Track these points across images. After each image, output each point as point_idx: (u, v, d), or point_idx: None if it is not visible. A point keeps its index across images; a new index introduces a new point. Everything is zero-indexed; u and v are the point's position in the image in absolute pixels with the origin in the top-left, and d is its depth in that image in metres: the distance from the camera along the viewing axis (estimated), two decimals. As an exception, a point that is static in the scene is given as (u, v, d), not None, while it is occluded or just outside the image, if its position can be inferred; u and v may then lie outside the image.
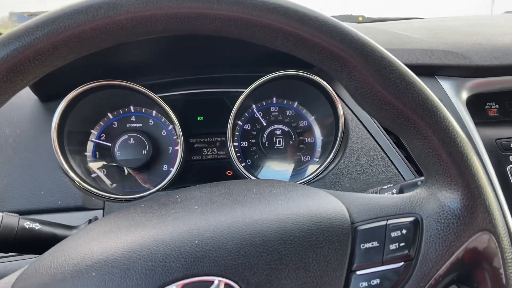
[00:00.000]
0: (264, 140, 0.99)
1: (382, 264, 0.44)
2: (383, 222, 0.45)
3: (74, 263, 0.43)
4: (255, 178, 0.94)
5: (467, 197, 0.44)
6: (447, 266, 0.44)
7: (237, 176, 0.97)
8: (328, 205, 0.48)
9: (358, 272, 0.44)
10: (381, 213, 0.46)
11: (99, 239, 0.47)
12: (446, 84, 0.90)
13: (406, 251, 0.44)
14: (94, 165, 0.94)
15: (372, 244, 0.45)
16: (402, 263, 0.44)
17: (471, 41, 0.94)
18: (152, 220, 0.49)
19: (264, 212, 0.46)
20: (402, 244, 0.44)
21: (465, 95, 0.90)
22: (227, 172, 0.99)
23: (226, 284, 0.41)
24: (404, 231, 0.45)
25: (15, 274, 0.46)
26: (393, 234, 0.45)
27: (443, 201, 0.45)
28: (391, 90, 0.43)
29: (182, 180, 0.96)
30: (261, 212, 0.46)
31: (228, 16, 0.42)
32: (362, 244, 0.45)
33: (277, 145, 1.00)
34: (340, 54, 0.43)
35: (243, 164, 0.98)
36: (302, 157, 1.02)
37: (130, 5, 0.40)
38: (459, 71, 0.89)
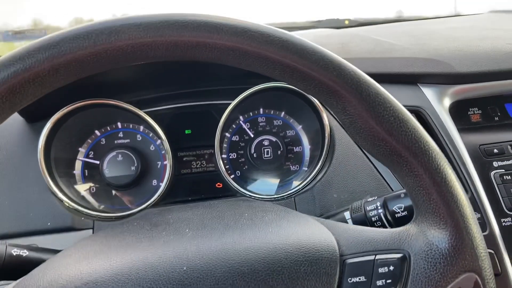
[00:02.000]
0: (253, 151, 1.00)
1: None
2: (372, 257, 0.46)
3: (63, 283, 0.44)
4: (244, 190, 0.94)
5: (455, 238, 0.45)
6: None
7: (227, 188, 0.97)
8: (319, 235, 0.48)
9: None
10: (370, 247, 0.47)
11: (89, 259, 0.48)
12: (428, 92, 0.91)
13: None
14: (81, 187, 0.94)
15: (360, 279, 0.45)
16: None
17: (452, 47, 0.95)
18: (143, 242, 0.49)
19: (254, 240, 0.47)
20: (389, 281, 0.45)
21: (447, 101, 0.91)
22: (216, 185, 1.00)
23: None
24: (391, 268, 0.45)
25: None
26: (381, 270, 0.45)
27: (432, 240, 0.46)
28: (384, 126, 0.44)
29: (172, 195, 0.96)
30: (251, 240, 0.47)
31: (227, 46, 0.43)
32: (350, 278, 0.45)
33: (265, 156, 1.00)
34: (336, 89, 0.44)
35: (232, 176, 0.99)
36: (291, 166, 1.03)
37: (132, 31, 0.41)
38: (441, 79, 0.90)
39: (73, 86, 0.85)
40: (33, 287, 0.44)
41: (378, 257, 0.46)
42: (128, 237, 0.51)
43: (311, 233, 0.49)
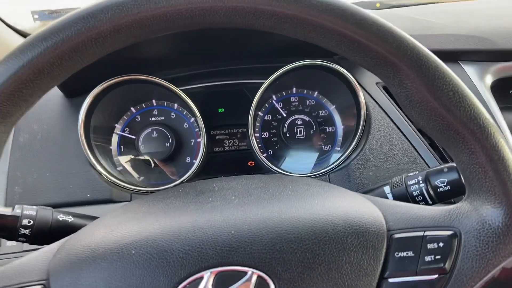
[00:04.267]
0: (285, 130, 1.00)
1: (416, 275, 0.45)
2: (420, 233, 0.46)
3: (115, 239, 0.45)
4: (277, 169, 0.94)
5: (510, 217, 0.44)
6: (482, 283, 0.44)
7: (259, 166, 0.98)
8: (365, 210, 0.48)
9: (390, 280, 0.45)
10: (419, 223, 0.46)
11: (139, 219, 0.49)
12: (470, 69, 0.89)
13: (442, 264, 0.44)
14: (122, 159, 0.96)
15: (407, 254, 0.45)
16: (436, 275, 0.45)
17: (494, 25, 0.93)
18: (190, 206, 0.50)
19: (300, 210, 0.47)
20: (438, 256, 0.45)
21: (489, 79, 0.89)
22: (249, 163, 1.00)
23: (259, 277, 0.42)
24: (441, 244, 0.45)
25: (57, 244, 0.48)
26: (430, 246, 0.45)
27: (485, 218, 0.45)
28: (443, 101, 0.43)
29: (205, 172, 0.98)
30: (297, 210, 0.47)
31: (285, 14, 0.42)
32: (397, 253, 0.45)
33: (298, 135, 1.00)
34: (394, 61, 0.43)
35: (264, 155, 0.99)
36: (323, 146, 1.02)
37: None
38: (483, 56, 0.88)
39: (110, 62, 0.87)
40: (85, 242, 0.46)
41: (427, 233, 0.45)
42: (175, 201, 0.52)
43: (358, 207, 0.49)
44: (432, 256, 0.45)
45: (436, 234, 0.45)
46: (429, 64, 0.43)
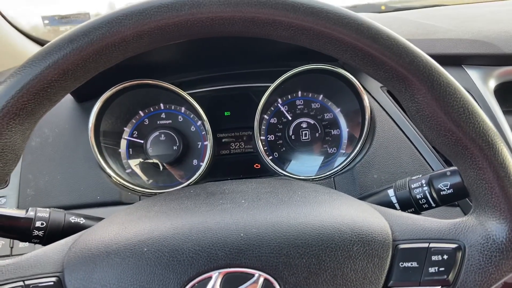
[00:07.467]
0: (291, 133, 1.01)
1: (419, 285, 0.46)
2: (425, 244, 0.47)
3: (128, 236, 0.47)
4: (282, 171, 0.96)
5: None
6: None
7: (265, 169, 0.99)
8: (372, 219, 0.49)
9: None
10: (424, 235, 0.47)
11: (150, 218, 0.50)
12: (473, 73, 0.90)
13: (445, 276, 0.45)
14: (131, 162, 0.98)
15: (411, 264, 0.46)
16: (439, 287, 0.45)
17: (498, 29, 0.93)
18: (201, 207, 0.52)
19: (308, 216, 0.48)
20: (441, 268, 0.45)
21: (493, 83, 0.90)
22: (254, 166, 1.02)
23: (266, 279, 0.43)
24: (445, 257, 0.46)
25: (72, 238, 0.50)
26: (434, 257, 0.46)
27: (489, 233, 0.46)
28: (453, 117, 0.44)
29: (212, 174, 0.99)
30: (306, 216, 0.48)
31: (302, 26, 0.43)
32: (401, 263, 0.46)
33: (303, 138, 1.01)
34: (407, 76, 0.44)
35: (270, 158, 1.00)
36: (328, 149, 1.03)
37: (212, 5, 0.42)
38: (487, 60, 0.89)
39: (120, 68, 0.89)
40: (99, 237, 0.48)
41: (432, 245, 0.46)
42: (187, 201, 0.54)
43: (365, 216, 0.50)
44: (436, 268, 0.46)
45: (440, 247, 0.46)
46: (441, 80, 0.44)
